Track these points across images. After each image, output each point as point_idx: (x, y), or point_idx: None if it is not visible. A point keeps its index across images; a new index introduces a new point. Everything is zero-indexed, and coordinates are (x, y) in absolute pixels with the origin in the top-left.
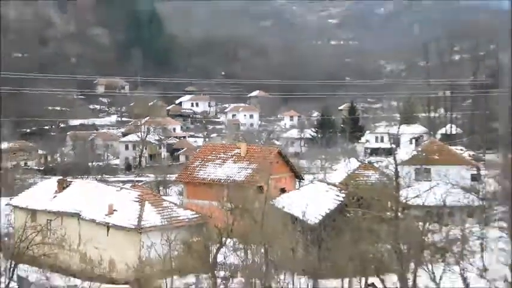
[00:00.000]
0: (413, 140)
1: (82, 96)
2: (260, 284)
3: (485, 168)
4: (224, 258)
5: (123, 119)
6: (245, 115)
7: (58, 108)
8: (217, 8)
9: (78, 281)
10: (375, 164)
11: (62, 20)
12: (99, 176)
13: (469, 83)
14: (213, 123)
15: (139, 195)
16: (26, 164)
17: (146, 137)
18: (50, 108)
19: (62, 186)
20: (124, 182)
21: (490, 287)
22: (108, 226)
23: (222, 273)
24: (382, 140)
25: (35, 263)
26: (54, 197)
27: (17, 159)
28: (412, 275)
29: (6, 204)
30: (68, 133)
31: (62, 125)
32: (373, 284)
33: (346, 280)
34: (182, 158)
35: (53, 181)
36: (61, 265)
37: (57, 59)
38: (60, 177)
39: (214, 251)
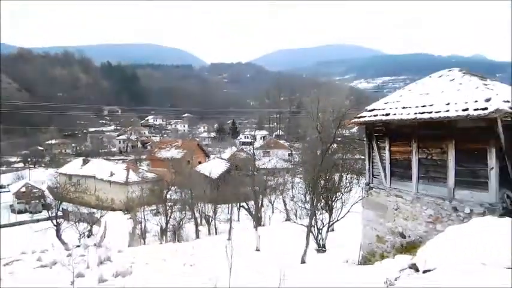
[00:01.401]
0: (262, 138)
1: (95, 116)
2: (189, 208)
3: (293, 150)
4: (170, 196)
5: (117, 127)
6: (181, 125)
7: (82, 122)
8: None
9: (94, 210)
10: (244, 149)
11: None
12: (105, 157)
13: (288, 110)
14: (165, 130)
15: (126, 166)
16: (65, 151)
17: (130, 136)
18: (78, 122)
19: (85, 162)
20: (118, 160)
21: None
22: (110, 182)
23: (169, 203)
24: (247, 138)
25: (71, 201)
26: (81, 168)
27: (60, 148)
28: (260, 200)
29: (55, 172)
30: (88, 135)
31: (84, 131)
32: None
33: (229, 205)
34: (149, 148)
35: (79, 160)
36: (85, 202)
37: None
38: (84, 157)
39: (165, 192)
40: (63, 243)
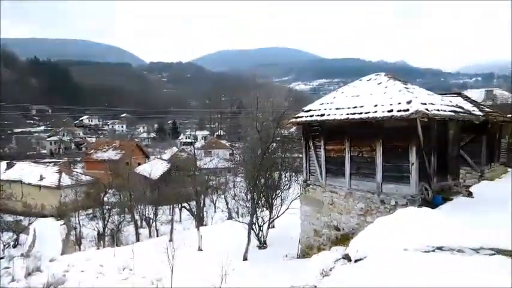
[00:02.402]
0: (204, 138)
1: (21, 116)
2: (128, 210)
3: (234, 150)
4: (107, 199)
5: (48, 128)
6: (119, 126)
7: (6, 122)
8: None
9: (21, 217)
10: (185, 149)
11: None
12: (34, 160)
13: (229, 111)
14: (101, 130)
15: (58, 169)
16: None
17: (62, 137)
18: (0, 121)
19: (9, 165)
20: (49, 163)
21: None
22: (40, 186)
23: (107, 207)
24: (189, 138)
25: None
26: (4, 172)
27: None
28: (202, 200)
29: None
30: (13, 136)
31: (9, 131)
32: None
33: (170, 205)
34: (84, 149)
35: (3, 163)
36: (10, 209)
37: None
38: (8, 161)
39: (102, 195)
40: None
